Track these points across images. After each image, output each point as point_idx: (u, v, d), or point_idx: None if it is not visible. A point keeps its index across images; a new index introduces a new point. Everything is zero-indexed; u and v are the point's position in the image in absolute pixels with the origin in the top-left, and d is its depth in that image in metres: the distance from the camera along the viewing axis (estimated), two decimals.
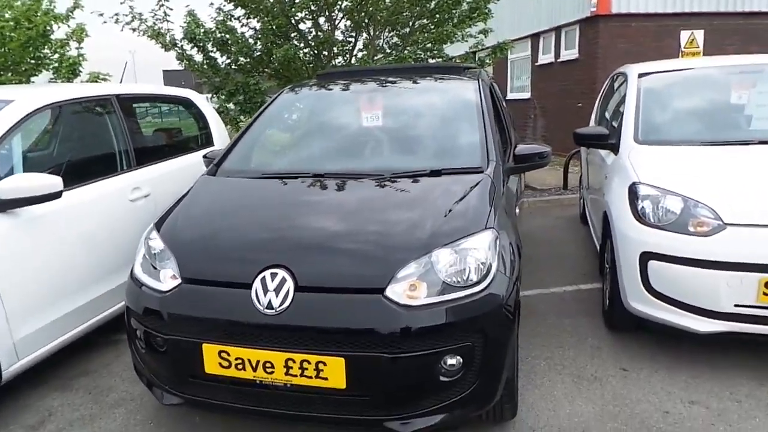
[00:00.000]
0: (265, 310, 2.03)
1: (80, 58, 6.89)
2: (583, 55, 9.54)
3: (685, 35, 9.08)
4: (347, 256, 2.15)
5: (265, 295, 2.05)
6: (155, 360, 2.28)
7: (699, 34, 9.04)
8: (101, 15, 6.50)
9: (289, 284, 2.06)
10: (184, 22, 6.27)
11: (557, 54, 10.45)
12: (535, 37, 11.35)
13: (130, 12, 6.36)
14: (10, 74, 6.85)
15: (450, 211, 2.30)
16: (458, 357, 2.02)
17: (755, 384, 2.72)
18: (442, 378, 2.02)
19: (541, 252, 5.01)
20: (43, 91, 3.05)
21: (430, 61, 7.53)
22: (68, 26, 6.93)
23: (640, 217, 2.93)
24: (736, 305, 2.64)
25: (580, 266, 4.58)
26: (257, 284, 2.08)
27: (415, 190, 2.53)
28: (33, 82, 7.33)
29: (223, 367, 2.11)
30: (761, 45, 8.64)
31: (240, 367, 2.09)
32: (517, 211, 4.64)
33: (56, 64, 7.14)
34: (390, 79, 3.49)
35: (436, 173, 2.61)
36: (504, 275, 2.17)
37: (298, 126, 3.46)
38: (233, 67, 6.71)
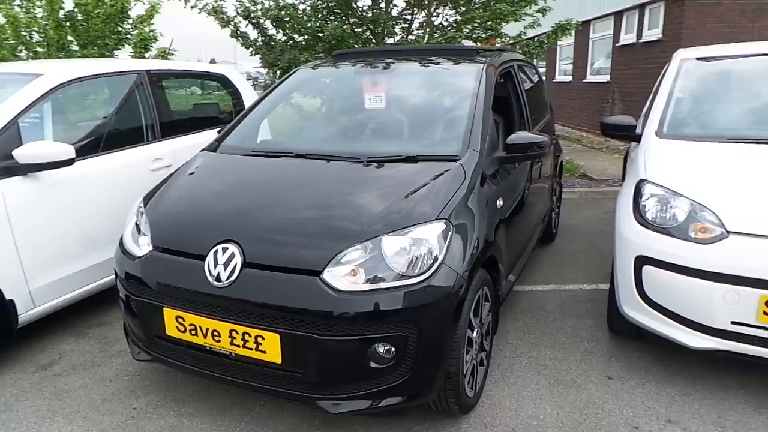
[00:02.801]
0: (215, 282, 2.15)
1: (152, 34, 7.38)
2: (667, 35, 8.74)
3: None
4: (294, 237, 2.20)
5: (215, 267, 2.16)
6: (131, 319, 2.48)
7: None
8: None
9: (238, 259, 2.15)
10: (236, 0, 6.49)
11: (639, 34, 9.65)
12: (618, 15, 10.54)
13: None
14: (94, 48, 7.48)
15: (406, 198, 2.27)
16: (390, 346, 2.03)
17: (751, 410, 2.47)
18: (372, 364, 2.04)
19: (574, 246, 4.78)
20: (72, 66, 3.33)
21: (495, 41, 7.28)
22: (144, 3, 7.43)
23: (641, 217, 2.71)
24: (732, 322, 2.39)
25: (608, 264, 4.30)
26: (210, 257, 2.19)
27: (382, 176, 2.52)
28: (116, 56, 7.96)
29: (180, 331, 2.26)
30: None
31: (193, 332, 2.23)
32: (553, 201, 4.46)
33: (135, 40, 7.69)
34: (400, 61, 3.44)
35: (412, 159, 2.57)
36: (450, 269, 2.12)
37: (302, 105, 3.53)
38: (288, 44, 6.87)
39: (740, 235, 2.38)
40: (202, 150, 3.07)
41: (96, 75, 3.42)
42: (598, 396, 2.61)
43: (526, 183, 3.42)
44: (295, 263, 2.10)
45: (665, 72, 3.70)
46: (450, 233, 2.18)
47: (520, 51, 7.15)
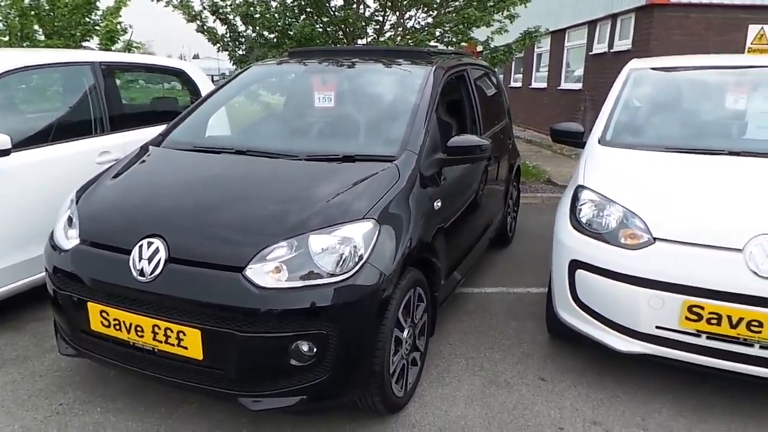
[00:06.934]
0: (138, 277, 2.12)
1: (118, 26, 7.28)
2: (636, 46, 8.91)
3: (753, 30, 8.24)
4: (220, 232, 2.19)
5: (139, 262, 2.14)
6: (58, 314, 2.44)
7: None
8: None
9: (162, 254, 2.13)
10: None
11: (611, 43, 9.82)
12: (592, 25, 10.72)
13: None
14: (60, 39, 7.35)
15: (335, 197, 2.27)
16: (310, 344, 2.03)
17: (674, 413, 2.52)
18: (293, 362, 2.03)
19: (529, 250, 4.83)
20: (17, 55, 3.27)
21: (463, 44, 7.33)
22: None
23: (576, 222, 2.75)
24: (657, 327, 2.44)
25: None
26: (135, 251, 2.17)
27: (316, 174, 2.52)
28: (83, 47, 7.83)
29: (104, 326, 2.23)
30: None
31: (117, 327, 2.20)
32: (508, 205, 4.51)
33: (102, 32, 7.57)
34: (352, 61, 3.45)
35: (349, 159, 2.58)
36: (375, 268, 2.12)
37: (250, 101, 3.51)
38: (258, 41, 6.83)
39: (665, 242, 2.44)
40: (146, 144, 3.03)
41: (42, 65, 3.37)
42: (529, 397, 2.64)
43: (475, 185, 3.45)
44: (219, 259, 2.09)
45: (615, 81, 3.77)
46: (377, 233, 2.18)
47: (489, 56, 7.24)
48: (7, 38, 7.01)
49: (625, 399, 2.63)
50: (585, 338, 2.76)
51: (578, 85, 11.27)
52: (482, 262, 4.28)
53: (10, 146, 2.87)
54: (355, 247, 2.11)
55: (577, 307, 2.70)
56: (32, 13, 7.05)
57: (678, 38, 8.21)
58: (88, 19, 7.52)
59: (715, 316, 2.28)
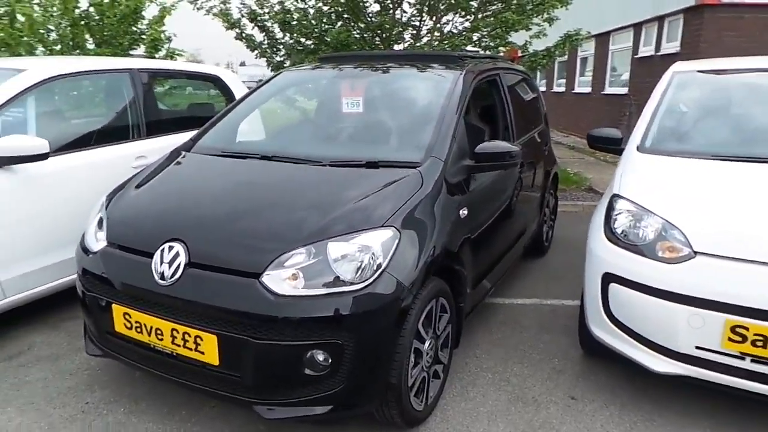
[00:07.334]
0: (159, 280, 2.14)
1: (162, 34, 7.51)
2: (685, 48, 8.54)
3: None
4: (239, 238, 2.18)
5: (161, 265, 2.16)
6: (86, 314, 2.50)
7: None
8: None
9: (182, 258, 2.14)
10: (240, 3, 6.57)
11: (658, 46, 9.45)
12: (638, 27, 10.35)
13: None
14: (109, 47, 7.64)
15: (356, 203, 2.23)
16: (325, 353, 1.99)
17: None
18: (307, 371, 2.00)
19: (565, 260, 4.65)
20: (58, 63, 3.39)
21: (501, 49, 7.20)
22: (157, 4, 7.57)
23: (611, 233, 2.62)
24: (697, 347, 2.28)
25: None
26: (157, 255, 2.19)
27: (339, 180, 2.49)
28: (131, 55, 8.12)
29: (127, 328, 2.27)
30: None
31: (139, 330, 2.23)
32: (544, 213, 4.37)
33: (147, 41, 7.82)
34: (382, 66, 3.41)
35: (373, 165, 2.54)
36: (394, 277, 2.07)
37: (280, 106, 3.52)
38: (296, 48, 6.91)
39: (707, 256, 2.28)
40: (176, 148, 3.08)
41: (81, 72, 3.48)
42: (557, 416, 2.52)
43: (507, 193, 3.35)
44: (236, 265, 2.08)
45: (657, 85, 3.59)
46: (397, 241, 2.13)
47: (528, 60, 7.07)
48: (59, 47, 7.34)
49: (661, 423, 2.47)
50: (619, 356, 2.62)
51: (623, 90, 10.90)
52: (516, 272, 4.16)
53: (48, 150, 2.96)
54: (373, 255, 2.06)
55: (610, 323, 2.56)
56: (83, 23, 7.36)
57: (730, 40, 7.81)
58: (135, 28, 7.78)
59: (761, 338, 2.11)
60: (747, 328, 2.13)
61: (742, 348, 2.16)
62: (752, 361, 2.16)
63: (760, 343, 2.11)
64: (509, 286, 3.96)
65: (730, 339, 2.19)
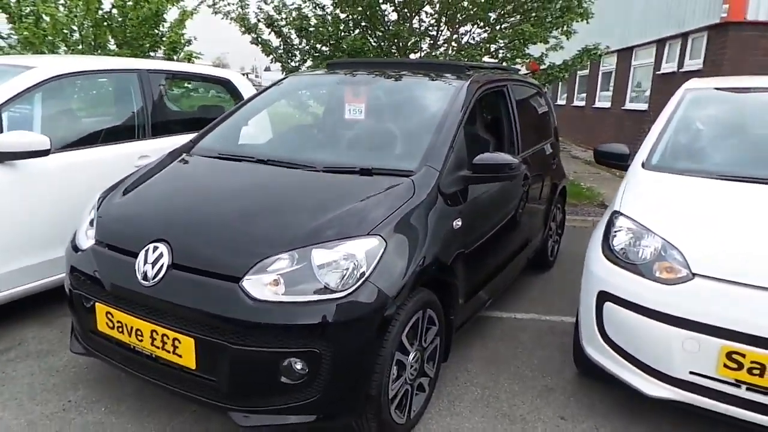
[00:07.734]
0: (142, 281, 2.13)
1: (181, 37, 7.61)
2: (708, 66, 8.36)
3: None
4: (223, 241, 2.15)
5: (144, 266, 2.15)
6: (72, 312, 2.50)
7: None
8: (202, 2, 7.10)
9: (165, 260, 2.12)
10: (258, 8, 6.62)
11: (681, 63, 9.27)
12: (660, 43, 10.18)
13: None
14: (130, 49, 7.77)
15: (345, 210, 2.20)
16: (302, 362, 1.95)
17: None
18: (284, 379, 1.96)
19: (570, 276, 4.53)
20: (66, 61, 3.44)
21: (517, 61, 7.13)
22: (178, 8, 7.68)
23: (609, 251, 2.53)
24: (691, 372, 2.19)
25: None
26: (141, 255, 2.18)
27: (329, 186, 2.46)
28: (151, 56, 8.25)
29: (110, 327, 2.26)
30: None
31: (120, 330, 2.22)
32: (549, 227, 4.28)
33: (166, 43, 7.94)
34: (387, 73, 3.38)
35: (366, 172, 2.50)
36: (376, 287, 2.02)
37: (283, 110, 3.52)
38: (312, 54, 6.93)
39: (705, 279, 2.19)
40: (174, 150, 3.09)
41: (89, 71, 3.52)
42: None
43: (508, 205, 3.29)
44: (217, 267, 2.06)
45: (668, 102, 3.49)
46: (382, 250, 2.09)
47: (544, 73, 6.99)
48: (81, 47, 7.49)
49: None
50: (613, 377, 2.53)
51: (644, 106, 10.71)
52: (518, 286, 4.08)
53: (49, 147, 2.99)
54: (356, 264, 2.02)
55: (603, 343, 2.47)
56: (105, 24, 7.50)
57: (756, 58, 7.62)
58: (156, 31, 7.91)
59: (758, 366, 2.01)
60: (743, 355, 2.03)
61: (737, 375, 2.06)
62: (748, 389, 2.06)
63: (756, 371, 2.01)
64: (510, 300, 3.88)
65: (725, 365, 2.09)
